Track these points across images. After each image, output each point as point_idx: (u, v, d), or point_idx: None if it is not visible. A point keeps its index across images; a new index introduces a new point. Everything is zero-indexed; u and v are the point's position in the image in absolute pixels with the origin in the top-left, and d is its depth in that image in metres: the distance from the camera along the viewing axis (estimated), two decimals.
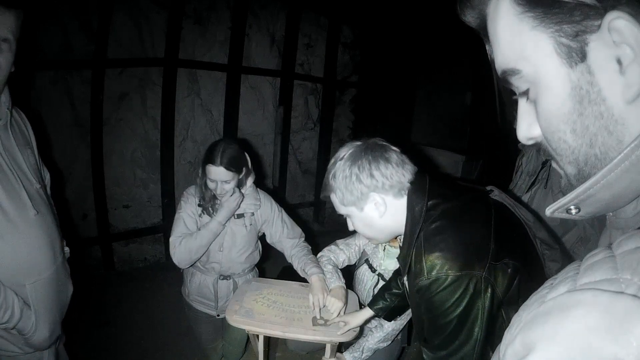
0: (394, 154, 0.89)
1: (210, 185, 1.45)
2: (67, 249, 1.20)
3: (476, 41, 0.45)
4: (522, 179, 1.55)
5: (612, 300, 0.23)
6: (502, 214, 0.87)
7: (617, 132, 0.32)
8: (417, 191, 0.87)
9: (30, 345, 1.04)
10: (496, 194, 0.94)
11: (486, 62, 0.44)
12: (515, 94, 0.39)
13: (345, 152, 0.91)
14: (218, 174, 1.40)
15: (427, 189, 0.86)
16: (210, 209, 1.50)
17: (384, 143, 0.92)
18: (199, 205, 1.52)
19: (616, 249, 0.28)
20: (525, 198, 1.47)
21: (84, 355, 1.84)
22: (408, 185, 0.88)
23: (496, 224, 0.80)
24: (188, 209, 1.51)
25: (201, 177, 1.49)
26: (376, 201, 0.87)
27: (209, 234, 1.45)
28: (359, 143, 0.91)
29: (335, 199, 0.94)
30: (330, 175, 0.91)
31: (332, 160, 0.93)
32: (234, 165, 1.41)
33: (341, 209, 0.95)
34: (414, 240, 0.83)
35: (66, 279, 1.14)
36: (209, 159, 1.40)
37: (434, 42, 3.88)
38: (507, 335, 0.31)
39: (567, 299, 0.26)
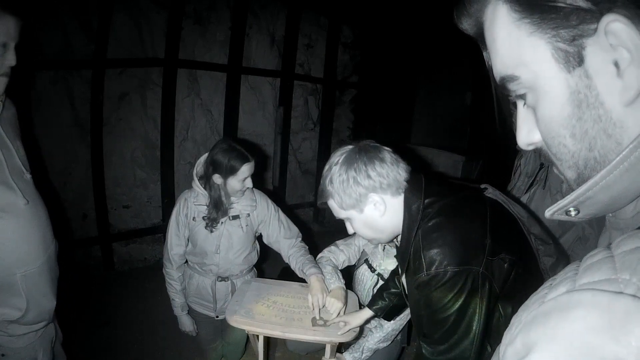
0: (388, 153, 0.90)
1: (239, 186, 1.43)
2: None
3: (476, 41, 0.45)
4: (520, 179, 1.56)
5: (611, 300, 0.24)
6: (497, 210, 0.88)
7: (616, 135, 0.32)
8: (414, 190, 0.88)
9: (23, 323, 1.03)
10: (490, 192, 0.96)
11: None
12: (514, 100, 0.39)
13: (338, 157, 0.91)
14: (252, 167, 1.42)
15: (424, 188, 0.87)
16: (216, 219, 1.49)
17: (376, 144, 0.92)
18: (205, 218, 1.49)
19: (615, 250, 0.29)
20: (524, 199, 1.47)
21: (84, 355, 1.85)
22: (405, 183, 0.89)
23: (492, 221, 0.81)
24: (182, 213, 1.52)
25: (218, 187, 1.45)
26: (375, 201, 0.88)
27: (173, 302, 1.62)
28: (350, 147, 0.92)
29: (334, 204, 0.93)
30: (327, 182, 0.91)
31: (327, 167, 0.93)
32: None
33: (341, 214, 0.95)
34: (412, 238, 0.84)
35: (56, 266, 1.14)
36: (238, 161, 1.38)
37: (434, 42, 3.88)
38: (507, 335, 0.31)
39: (567, 299, 0.26)
